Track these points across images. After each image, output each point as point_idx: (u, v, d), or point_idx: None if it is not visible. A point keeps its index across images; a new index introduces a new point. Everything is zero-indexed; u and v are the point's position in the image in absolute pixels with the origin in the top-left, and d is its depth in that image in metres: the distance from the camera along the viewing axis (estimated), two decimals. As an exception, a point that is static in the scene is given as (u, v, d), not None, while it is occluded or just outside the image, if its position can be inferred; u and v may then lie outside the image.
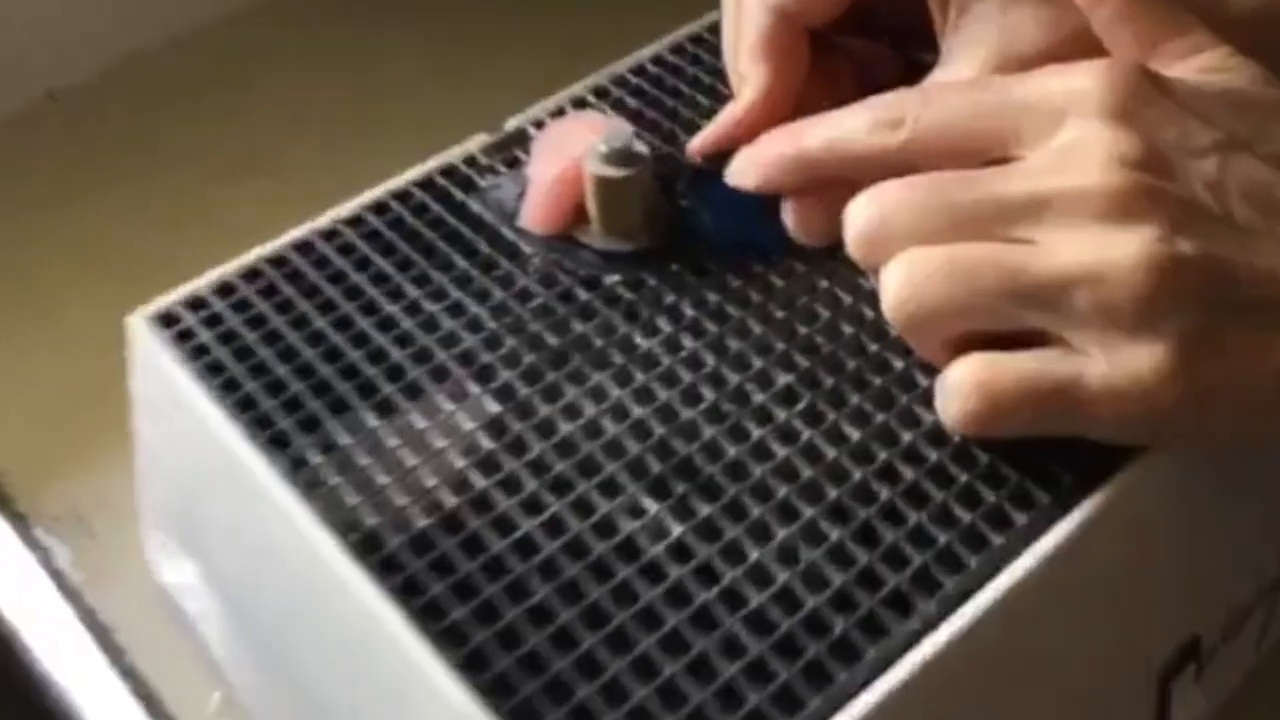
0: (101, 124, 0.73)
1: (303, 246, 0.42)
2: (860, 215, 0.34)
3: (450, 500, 0.34)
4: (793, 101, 0.41)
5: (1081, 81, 0.33)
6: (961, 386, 0.33)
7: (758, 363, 0.37)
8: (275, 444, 0.36)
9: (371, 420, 0.37)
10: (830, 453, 0.35)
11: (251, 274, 0.41)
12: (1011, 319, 0.32)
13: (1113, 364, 0.31)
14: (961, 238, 0.32)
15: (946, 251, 0.32)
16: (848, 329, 0.38)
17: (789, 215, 0.39)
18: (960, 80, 0.36)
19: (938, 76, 0.39)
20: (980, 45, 0.37)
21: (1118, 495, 0.34)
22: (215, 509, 0.39)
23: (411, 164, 0.45)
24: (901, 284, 0.33)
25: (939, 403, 0.34)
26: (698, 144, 0.42)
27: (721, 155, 0.41)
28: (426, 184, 0.44)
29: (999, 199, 0.32)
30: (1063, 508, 0.33)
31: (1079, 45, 0.36)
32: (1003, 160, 0.33)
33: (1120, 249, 0.31)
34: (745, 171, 0.39)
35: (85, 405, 0.59)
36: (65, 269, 0.65)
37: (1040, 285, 0.31)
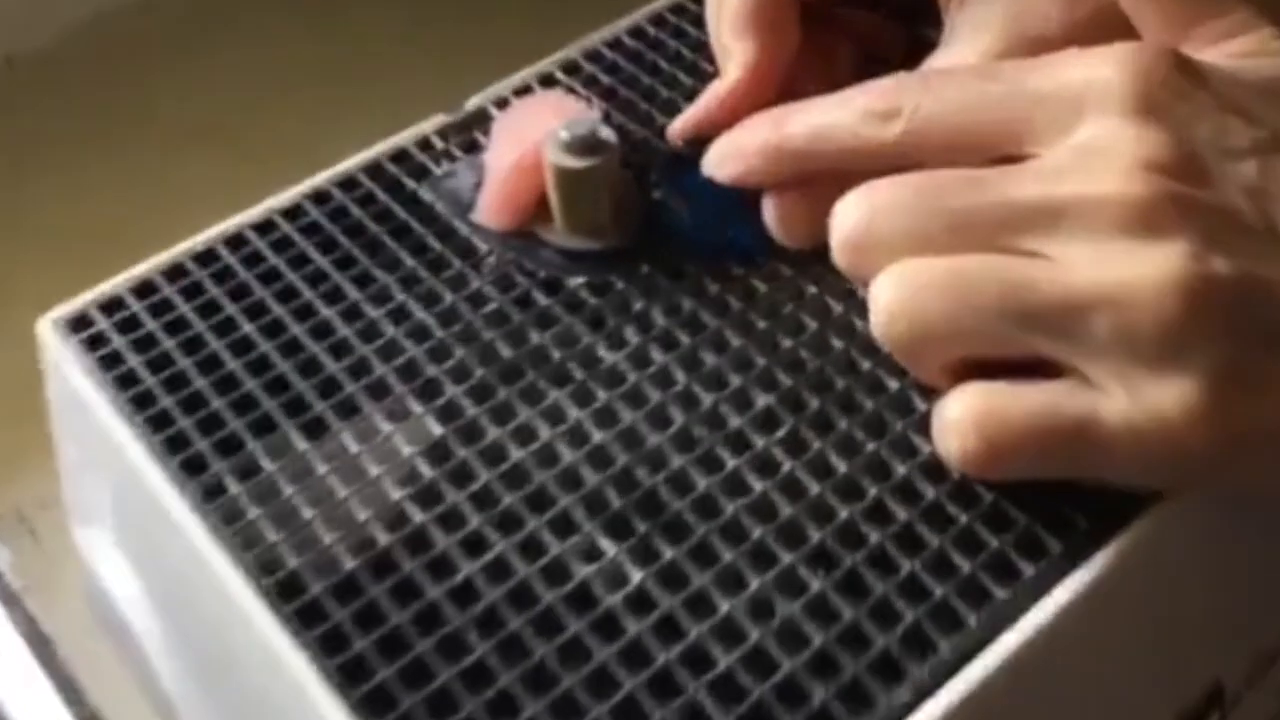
0: (60, 92, 0.69)
1: (233, 240, 0.37)
2: (847, 218, 0.29)
3: (383, 538, 0.30)
4: (781, 80, 0.37)
5: (1103, 69, 0.29)
6: (959, 423, 0.28)
7: (735, 380, 0.33)
8: (189, 469, 0.32)
9: (300, 442, 0.33)
10: (813, 488, 0.31)
11: (175, 272, 0.37)
12: (1017, 345, 0.28)
13: (1134, 401, 0.27)
14: (962, 248, 0.28)
15: (944, 264, 0.28)
16: (837, 342, 0.34)
17: (769, 212, 0.35)
18: (965, 66, 0.32)
19: (939, 59, 0.34)
20: (987, 25, 0.33)
21: (1137, 542, 0.29)
22: (130, 531, 0.36)
23: (382, 136, 0.41)
24: (891, 300, 0.29)
25: (935, 436, 0.30)
26: (677, 127, 0.37)
27: (702, 141, 0.37)
28: (374, 170, 0.39)
29: (1006, 205, 0.28)
30: (1076, 557, 0.29)
31: (1101, 26, 0.32)
32: (1011, 159, 0.29)
33: (1144, 268, 0.27)
34: (721, 161, 0.34)
35: (31, 399, 0.55)
36: (15, 248, 0.62)
37: (1051, 308, 0.27)
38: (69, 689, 0.49)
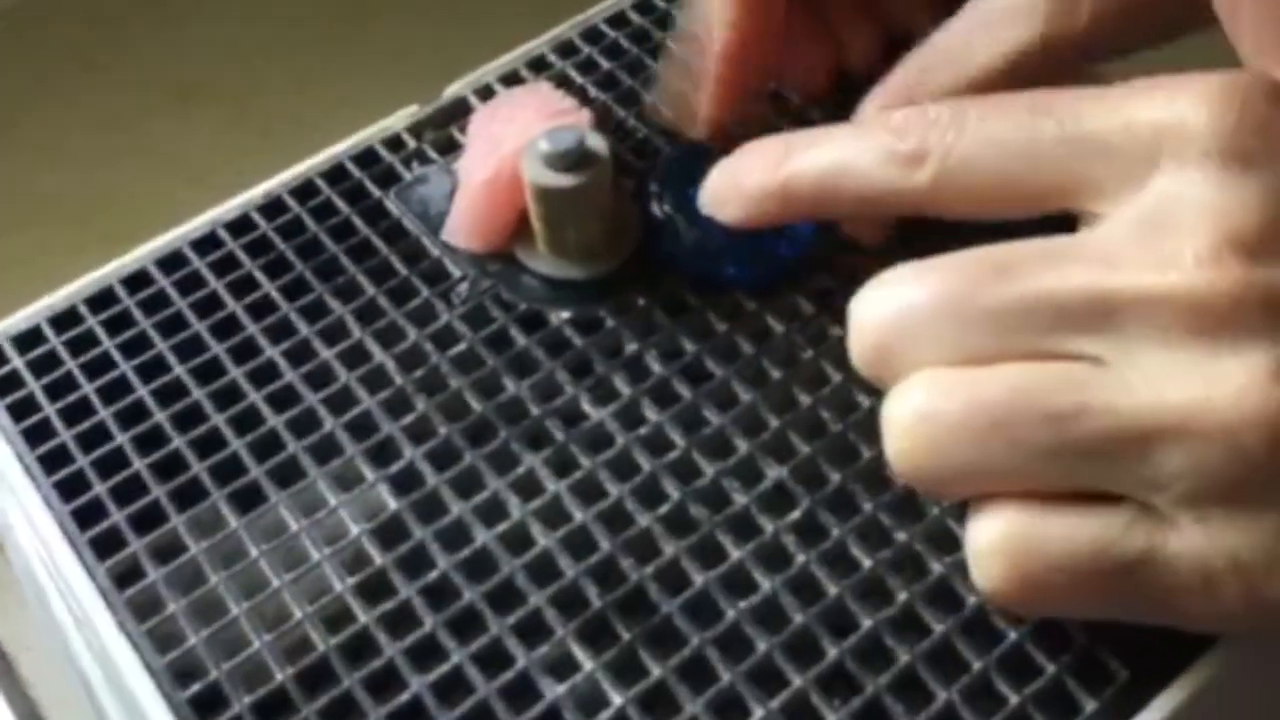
0: (46, 44, 0.64)
1: (169, 260, 0.32)
2: (864, 319, 0.24)
3: (321, 641, 0.26)
4: (760, 61, 0.31)
5: (1181, 107, 0.23)
6: (991, 553, 0.23)
7: (741, 447, 0.28)
8: (99, 546, 0.28)
9: (231, 516, 0.28)
10: (830, 588, 0.26)
11: (101, 299, 0.32)
12: (1064, 480, 0.23)
13: (1210, 540, 0.22)
14: (998, 356, 0.23)
15: (974, 387, 0.23)
16: (863, 399, 0.28)
17: None
18: (1010, 96, 0.25)
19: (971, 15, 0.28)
20: None
21: (1201, 685, 0.24)
22: (40, 607, 0.31)
23: (381, 96, 0.36)
24: (909, 428, 0.23)
25: (969, 560, 0.24)
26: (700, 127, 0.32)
27: (711, 139, 0.32)
28: (335, 174, 0.34)
29: (1048, 301, 0.22)
30: (1142, 692, 0.24)
31: None
32: (1064, 217, 0.24)
33: (1221, 387, 0.21)
34: (720, 203, 0.29)
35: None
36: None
37: (1105, 441, 0.22)
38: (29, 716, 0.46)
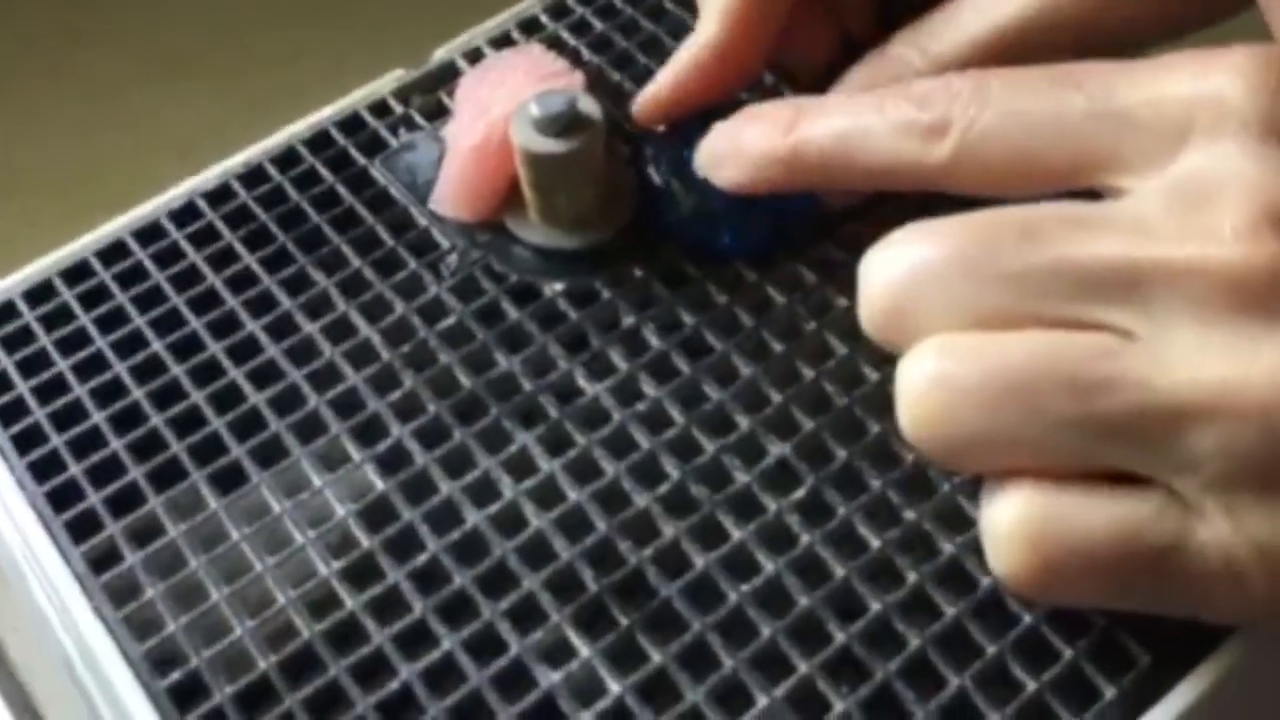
0: (29, 14, 0.62)
1: (146, 231, 0.31)
2: (876, 278, 0.23)
3: (306, 627, 0.25)
4: (770, 35, 0.30)
5: (1217, 80, 0.21)
6: (1010, 535, 0.22)
7: (743, 423, 0.27)
8: (75, 529, 0.27)
9: (211, 497, 0.27)
10: (837, 570, 0.25)
11: (75, 272, 0.31)
12: (1087, 457, 0.21)
13: (1237, 530, 0.20)
14: (1020, 321, 0.21)
15: (995, 351, 0.21)
16: (871, 373, 0.27)
17: None
18: (1035, 68, 0.24)
19: None
20: None
21: (1222, 674, 0.23)
22: (12, 593, 0.30)
23: (372, 66, 0.34)
24: (923, 394, 0.22)
25: (984, 542, 0.23)
26: (639, 105, 0.30)
27: (704, 115, 0.31)
28: (318, 142, 0.33)
29: (1076, 268, 0.21)
30: (1163, 677, 0.23)
31: None
32: (1091, 193, 0.22)
33: (1258, 364, 0.20)
34: (719, 162, 0.28)
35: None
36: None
37: (1134, 416, 0.21)
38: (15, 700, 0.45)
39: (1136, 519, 0.21)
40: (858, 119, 0.25)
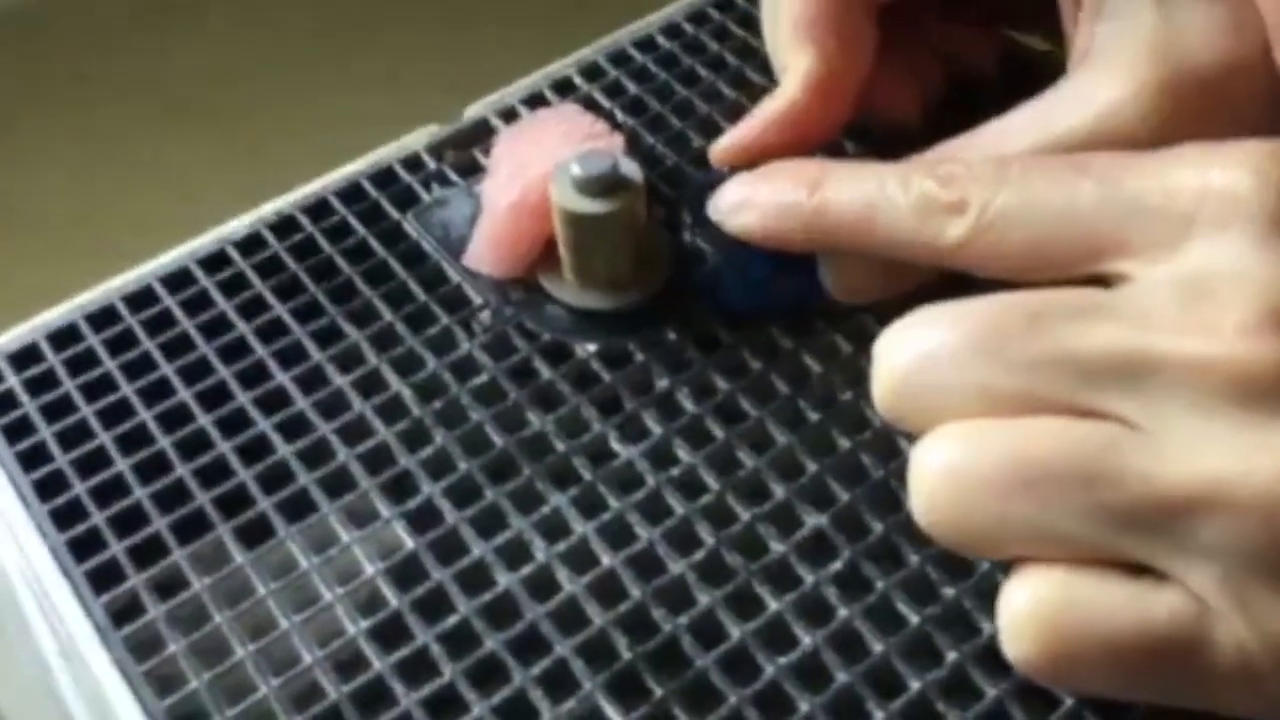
0: (31, 58, 0.62)
1: (174, 278, 0.31)
2: (889, 361, 0.23)
3: (332, 688, 0.24)
4: (850, 98, 0.30)
5: (1226, 173, 0.21)
6: (1023, 620, 0.22)
7: (778, 492, 0.27)
8: (96, 580, 0.26)
9: (237, 551, 0.26)
10: (875, 645, 0.24)
11: (101, 316, 0.30)
12: (1100, 548, 0.21)
13: (1250, 623, 0.20)
14: (1027, 409, 0.21)
15: (1003, 441, 0.21)
16: (907, 446, 0.27)
17: (823, 265, 0.28)
18: (1054, 158, 0.24)
19: (1069, 91, 0.27)
20: (1137, 44, 0.26)
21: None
22: (17, 647, 0.29)
23: (383, 114, 0.34)
24: (934, 484, 0.22)
25: (1000, 624, 0.23)
26: (720, 147, 0.30)
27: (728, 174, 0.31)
28: (351, 194, 0.33)
29: (1079, 357, 0.21)
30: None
31: (1272, 65, 0.25)
32: (1099, 279, 0.23)
33: (1261, 458, 0.20)
34: (734, 209, 0.28)
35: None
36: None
37: (1138, 508, 0.21)
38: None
39: (1151, 611, 0.21)
40: (881, 189, 0.25)
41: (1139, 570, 0.21)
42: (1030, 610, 0.21)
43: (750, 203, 0.27)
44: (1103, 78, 0.27)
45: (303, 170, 0.33)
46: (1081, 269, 0.23)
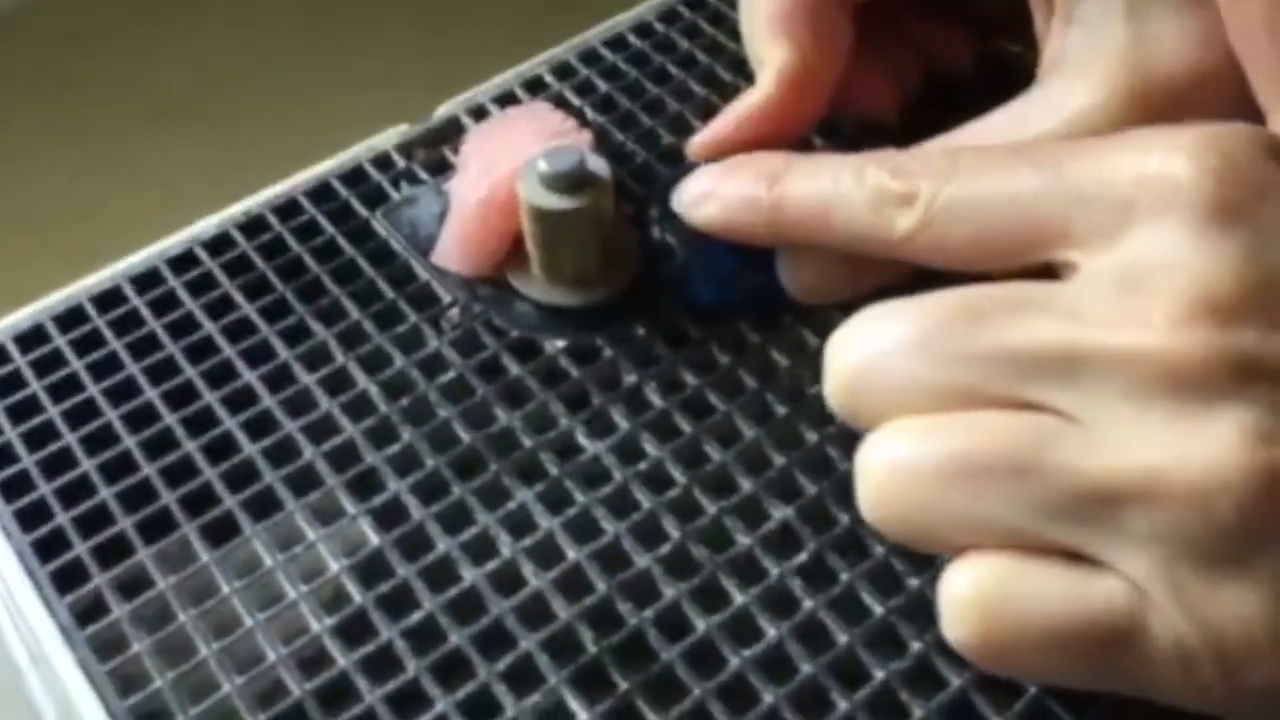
0: (23, 59, 0.62)
1: (142, 278, 0.31)
2: (840, 358, 0.23)
3: (296, 686, 0.24)
4: (825, 94, 0.30)
5: (1165, 159, 0.21)
6: (963, 605, 0.22)
7: (745, 485, 0.26)
8: (61, 580, 0.26)
9: (201, 550, 0.26)
10: (840, 636, 0.24)
11: (69, 317, 0.30)
12: (1038, 538, 0.21)
13: (1185, 612, 0.20)
14: (969, 403, 0.22)
15: (945, 436, 0.21)
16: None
17: (782, 261, 0.28)
18: (1003, 145, 0.24)
19: (1040, 97, 0.27)
20: (1101, 57, 0.26)
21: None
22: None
23: (364, 114, 0.34)
24: (878, 480, 0.22)
25: (941, 609, 0.23)
26: (696, 143, 0.30)
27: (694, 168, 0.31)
28: (320, 193, 0.33)
29: (1017, 351, 0.21)
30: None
31: (1239, 76, 0.25)
32: (1048, 270, 0.22)
33: (1192, 451, 0.20)
34: (697, 201, 0.28)
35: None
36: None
37: (1070, 499, 0.21)
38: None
39: (1087, 597, 0.21)
40: (837, 181, 0.25)
41: (1079, 559, 0.21)
42: (968, 595, 0.21)
43: (712, 195, 0.27)
44: (1075, 85, 0.27)
45: (291, 171, 0.33)
46: (1027, 258, 0.23)
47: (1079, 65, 0.27)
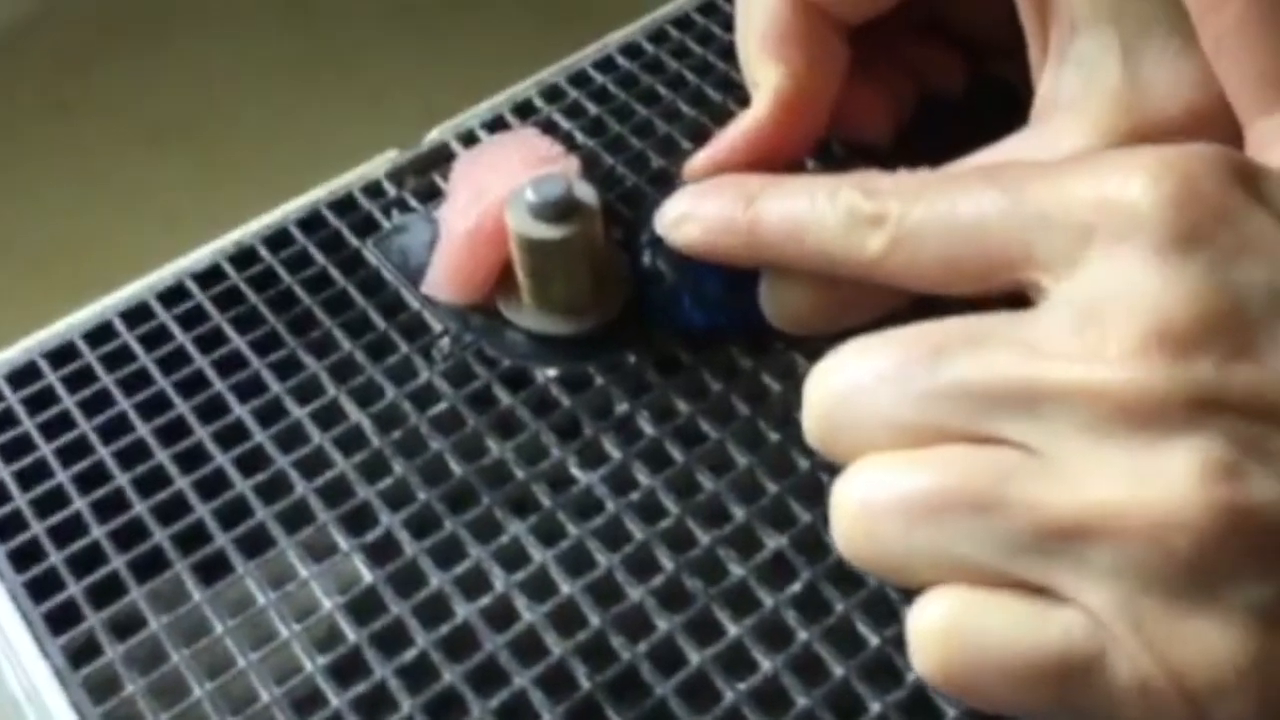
0: (15, 84, 0.62)
1: (132, 313, 0.31)
2: (814, 391, 0.23)
3: (289, 725, 0.24)
4: (820, 116, 0.30)
5: (1124, 182, 0.21)
6: (925, 639, 0.21)
7: (738, 513, 0.26)
8: (54, 621, 0.26)
9: (194, 588, 0.26)
10: (836, 669, 0.24)
11: (60, 353, 0.30)
12: (1001, 573, 0.21)
13: (1148, 648, 0.20)
14: (934, 436, 0.21)
15: (908, 471, 0.21)
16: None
17: (762, 293, 0.28)
18: (973, 168, 0.24)
19: (1031, 138, 0.27)
20: (1104, 95, 0.26)
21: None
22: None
23: (359, 138, 0.34)
24: (848, 518, 0.22)
25: (908, 639, 0.22)
26: (694, 164, 0.30)
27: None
28: (310, 222, 0.33)
29: (978, 384, 0.21)
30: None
31: (1230, 113, 0.24)
32: (1014, 293, 0.22)
33: (1149, 486, 0.20)
34: (677, 222, 0.27)
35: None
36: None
37: (1030, 534, 0.20)
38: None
39: (1045, 631, 0.20)
40: (812, 201, 0.25)
41: (1041, 592, 0.21)
42: (929, 627, 0.21)
43: (691, 216, 0.27)
44: (1069, 125, 0.27)
45: (285, 197, 0.33)
46: (994, 281, 0.22)
47: (1073, 106, 0.26)
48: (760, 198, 0.26)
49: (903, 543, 0.21)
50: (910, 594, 0.25)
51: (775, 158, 0.30)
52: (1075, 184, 0.21)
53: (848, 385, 0.22)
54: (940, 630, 0.21)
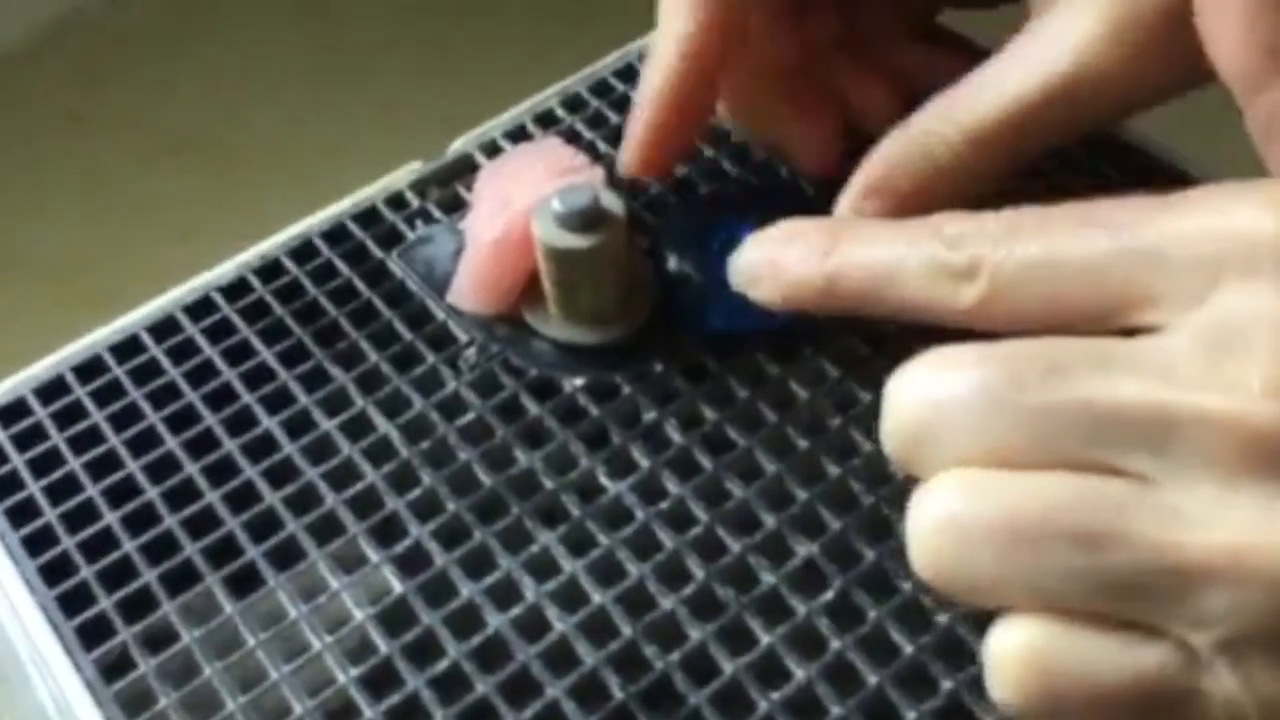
0: (31, 97, 0.62)
1: (159, 326, 0.31)
2: (901, 404, 0.22)
3: (322, 737, 0.24)
4: (723, 48, 0.30)
5: (1248, 216, 0.21)
6: (1008, 664, 0.21)
7: (769, 521, 0.26)
8: (86, 635, 0.26)
9: (225, 601, 0.26)
10: (869, 677, 0.24)
11: (88, 368, 0.30)
12: (1093, 606, 0.20)
13: (1245, 686, 0.20)
14: (1039, 462, 0.21)
15: (1008, 495, 0.21)
16: (896, 471, 0.27)
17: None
18: (1063, 207, 0.23)
19: (1045, 34, 0.27)
20: None
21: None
22: (23, 692, 0.29)
23: (375, 149, 0.34)
24: (933, 534, 0.21)
25: (987, 663, 0.22)
26: (627, 170, 0.31)
27: (732, 197, 0.31)
28: (335, 234, 0.33)
29: (1098, 410, 0.20)
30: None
31: None
32: (1125, 332, 0.22)
33: (1278, 529, 0.19)
34: (755, 280, 0.27)
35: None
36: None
37: (1142, 574, 0.20)
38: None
39: (1141, 664, 0.20)
40: (891, 253, 0.24)
41: (1133, 624, 0.20)
42: (1017, 655, 0.21)
43: (769, 274, 0.27)
44: (1074, 18, 0.26)
45: (302, 210, 0.33)
46: (1107, 323, 0.22)
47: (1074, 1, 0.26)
48: (836, 251, 0.26)
49: (993, 567, 0.20)
50: (943, 605, 0.25)
51: (690, 105, 0.30)
52: (1194, 219, 0.21)
53: (942, 395, 0.21)
54: (1026, 658, 0.21)
